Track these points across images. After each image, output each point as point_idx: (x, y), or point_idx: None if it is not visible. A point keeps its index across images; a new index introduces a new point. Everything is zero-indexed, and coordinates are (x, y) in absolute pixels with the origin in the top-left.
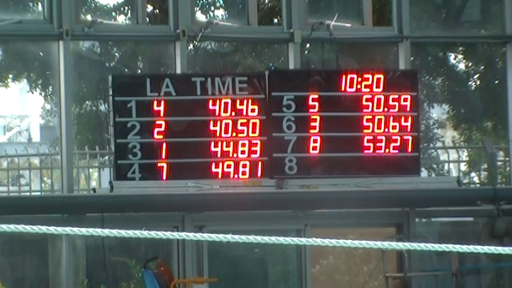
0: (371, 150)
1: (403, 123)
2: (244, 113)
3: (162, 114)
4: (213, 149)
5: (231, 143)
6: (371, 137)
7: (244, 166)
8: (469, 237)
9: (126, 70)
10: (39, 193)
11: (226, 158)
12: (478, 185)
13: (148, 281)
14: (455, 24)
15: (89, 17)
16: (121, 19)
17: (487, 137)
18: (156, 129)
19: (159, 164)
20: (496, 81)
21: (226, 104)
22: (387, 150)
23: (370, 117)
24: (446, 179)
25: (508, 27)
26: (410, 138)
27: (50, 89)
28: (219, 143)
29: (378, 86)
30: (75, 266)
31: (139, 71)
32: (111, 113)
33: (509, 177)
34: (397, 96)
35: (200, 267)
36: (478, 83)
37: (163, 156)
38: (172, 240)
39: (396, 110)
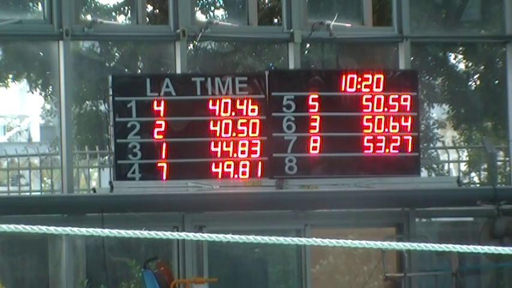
0: (371, 150)
1: (403, 123)
2: (244, 113)
3: (162, 114)
4: (213, 149)
5: (231, 143)
6: (371, 137)
7: (244, 166)
8: (469, 237)
9: (126, 70)
10: (39, 193)
11: (226, 158)
12: (478, 185)
13: (148, 281)
14: (455, 24)
15: (89, 17)
16: (121, 19)
17: (487, 137)
18: (156, 129)
19: (159, 164)
20: (496, 81)
21: (226, 104)
22: (387, 150)
23: (370, 117)
24: (446, 179)
25: (508, 27)
26: (410, 138)
27: (50, 89)
28: (219, 143)
29: (378, 86)
30: (75, 266)
31: (139, 71)
32: (111, 113)
33: (509, 177)
34: (397, 96)
35: (200, 267)
36: (478, 83)
37: (163, 156)
38: (172, 240)
39: (396, 110)
